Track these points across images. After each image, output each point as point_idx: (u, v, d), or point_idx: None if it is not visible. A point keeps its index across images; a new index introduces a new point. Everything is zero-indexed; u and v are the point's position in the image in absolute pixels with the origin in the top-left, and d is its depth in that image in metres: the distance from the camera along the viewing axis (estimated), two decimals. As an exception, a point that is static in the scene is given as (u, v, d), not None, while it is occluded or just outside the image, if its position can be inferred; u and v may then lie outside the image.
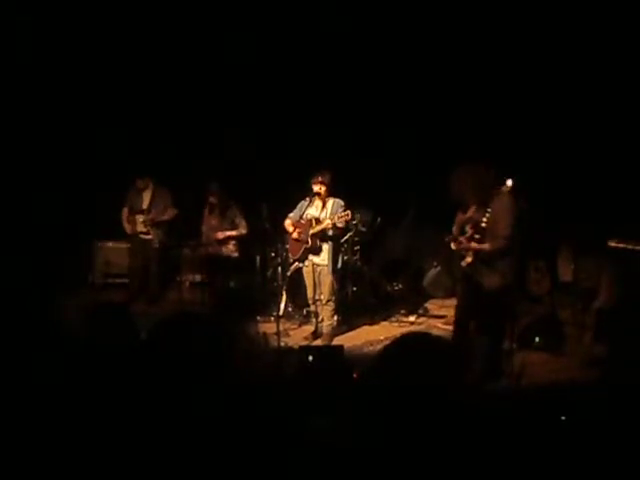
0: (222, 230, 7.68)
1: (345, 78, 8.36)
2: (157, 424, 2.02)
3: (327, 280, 6.65)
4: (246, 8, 8.07)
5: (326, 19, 8.00)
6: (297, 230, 6.72)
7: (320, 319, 6.89)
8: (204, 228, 7.79)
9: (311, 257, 6.69)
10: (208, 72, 8.55)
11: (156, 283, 8.26)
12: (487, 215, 5.41)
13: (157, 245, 8.08)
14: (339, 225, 6.43)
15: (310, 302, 6.94)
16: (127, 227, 8.15)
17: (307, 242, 6.61)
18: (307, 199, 6.65)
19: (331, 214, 6.50)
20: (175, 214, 7.99)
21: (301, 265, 6.96)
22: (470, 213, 6.86)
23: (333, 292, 6.70)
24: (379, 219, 7.92)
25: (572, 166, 7.29)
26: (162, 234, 8.10)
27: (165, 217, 8.02)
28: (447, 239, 5.69)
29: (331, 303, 6.72)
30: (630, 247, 6.04)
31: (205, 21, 8.17)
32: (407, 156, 8.25)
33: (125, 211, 8.16)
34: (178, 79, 8.59)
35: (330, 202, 6.61)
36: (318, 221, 6.56)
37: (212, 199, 7.62)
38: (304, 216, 6.70)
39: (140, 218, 8.07)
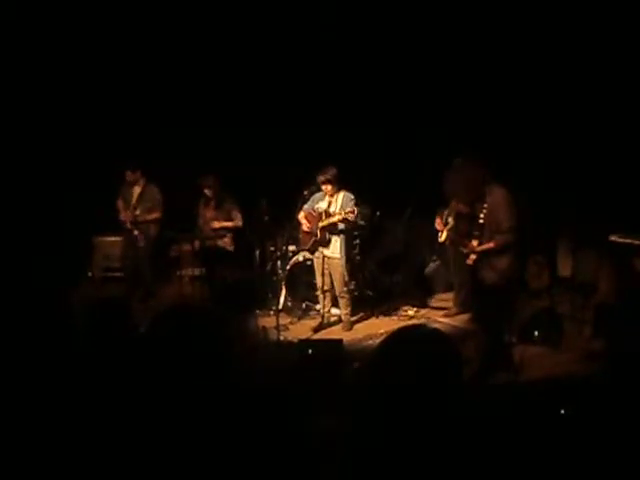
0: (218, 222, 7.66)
1: (343, 76, 8.35)
2: (156, 418, 2.03)
3: (338, 272, 6.80)
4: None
5: (324, 23, 8.03)
6: (308, 222, 6.88)
7: (327, 310, 7.08)
8: (200, 221, 7.77)
9: (321, 249, 6.84)
10: (207, 70, 8.52)
11: (149, 278, 8.16)
12: (484, 211, 5.43)
13: (143, 244, 7.97)
14: (349, 219, 6.55)
15: (319, 292, 7.05)
16: (123, 218, 8.01)
17: (316, 234, 6.77)
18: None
19: (341, 207, 6.63)
20: (158, 218, 7.88)
21: (300, 258, 7.17)
22: (454, 207, 6.91)
23: (345, 283, 6.87)
24: (378, 213, 7.90)
25: (571, 160, 7.29)
26: (148, 231, 7.98)
27: (151, 217, 7.92)
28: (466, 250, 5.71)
29: (344, 294, 6.91)
30: (629, 241, 6.04)
31: (196, 19, 8.16)
32: (406, 151, 8.24)
33: (119, 203, 8.03)
34: (175, 73, 8.56)
35: (340, 195, 6.75)
36: (328, 214, 6.71)
37: (207, 192, 7.61)
38: (315, 209, 6.86)
39: (129, 213, 7.97)
